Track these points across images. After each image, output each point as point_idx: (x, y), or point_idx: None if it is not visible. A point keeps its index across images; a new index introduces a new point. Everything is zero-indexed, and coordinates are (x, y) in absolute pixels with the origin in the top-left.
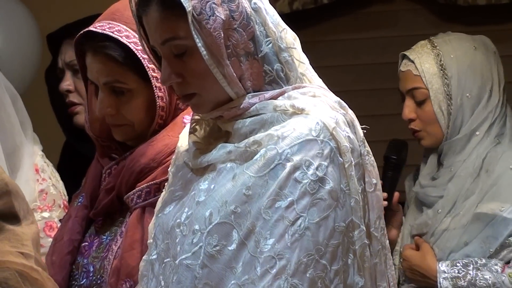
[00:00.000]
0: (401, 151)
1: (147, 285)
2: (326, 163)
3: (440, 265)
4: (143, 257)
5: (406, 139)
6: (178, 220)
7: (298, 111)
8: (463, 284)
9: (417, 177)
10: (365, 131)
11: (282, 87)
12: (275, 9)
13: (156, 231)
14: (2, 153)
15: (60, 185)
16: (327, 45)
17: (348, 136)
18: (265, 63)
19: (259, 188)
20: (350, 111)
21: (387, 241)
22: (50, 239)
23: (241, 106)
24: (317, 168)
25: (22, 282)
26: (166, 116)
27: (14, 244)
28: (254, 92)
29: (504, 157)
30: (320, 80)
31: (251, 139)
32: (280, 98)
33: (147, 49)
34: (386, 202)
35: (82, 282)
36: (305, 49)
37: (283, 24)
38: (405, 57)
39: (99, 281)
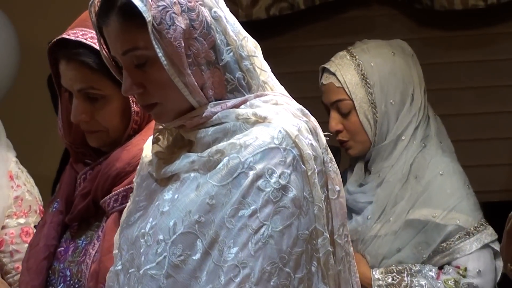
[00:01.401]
0: (334, 156)
1: None
2: (289, 171)
3: (374, 272)
4: (110, 268)
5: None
6: (142, 230)
7: (260, 120)
8: None
9: (343, 183)
10: (327, 138)
11: (244, 95)
12: (252, 15)
13: (121, 241)
14: None
15: (36, 190)
16: (304, 50)
17: (311, 144)
18: (227, 72)
19: (223, 197)
20: (313, 119)
21: (351, 248)
22: (26, 245)
23: (204, 115)
24: (279, 176)
25: None
26: (141, 121)
27: None
28: (216, 100)
29: (433, 163)
30: (282, 87)
31: (214, 148)
32: (242, 106)
33: (108, 60)
34: None
35: (59, 287)
36: (282, 55)
37: (244, 33)
38: (325, 70)
39: (76, 285)
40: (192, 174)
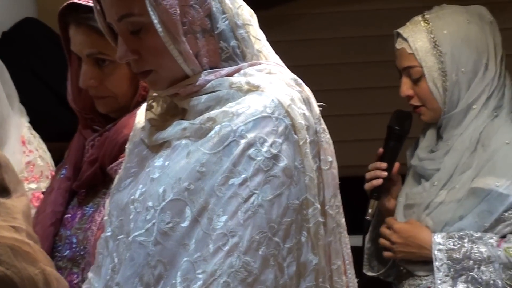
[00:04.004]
0: (404, 122)
1: (102, 263)
2: (280, 140)
3: (435, 236)
4: (101, 235)
5: (398, 109)
6: (132, 197)
7: (253, 88)
8: (458, 256)
9: (415, 149)
10: (321, 108)
11: (238, 64)
12: None
13: (111, 207)
14: None
15: (48, 156)
16: (312, 17)
17: (304, 114)
18: (222, 40)
19: (213, 165)
20: (306, 88)
21: (343, 220)
22: None
23: (197, 83)
24: (271, 145)
25: (14, 256)
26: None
27: (5, 218)
28: (210, 69)
29: (500, 131)
30: (277, 57)
31: (206, 116)
32: (236, 75)
33: (104, 26)
34: (386, 173)
35: (65, 254)
36: (290, 22)
37: (239, 1)
38: (399, 35)
39: (82, 252)
40: (184, 141)
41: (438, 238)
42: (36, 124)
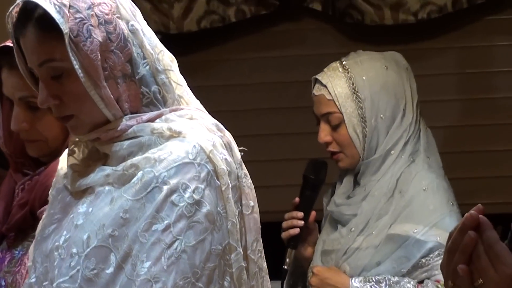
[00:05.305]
0: (319, 171)
1: None
2: (203, 186)
3: (353, 280)
4: (25, 281)
5: (313, 158)
6: (56, 243)
7: (175, 134)
8: None
9: (331, 195)
10: (242, 153)
11: (160, 109)
12: (183, 27)
13: (36, 254)
14: None
15: None
16: (234, 63)
17: (225, 159)
18: (143, 85)
19: (136, 211)
20: (228, 133)
21: (265, 264)
22: None
23: (119, 128)
24: (193, 191)
25: None
26: None
27: None
28: (132, 114)
29: (417, 178)
30: (198, 102)
31: (129, 162)
32: (157, 120)
33: (25, 71)
34: (302, 222)
35: None
36: (213, 68)
37: (160, 46)
38: (317, 81)
39: None
40: (107, 188)
41: (356, 282)
42: None
